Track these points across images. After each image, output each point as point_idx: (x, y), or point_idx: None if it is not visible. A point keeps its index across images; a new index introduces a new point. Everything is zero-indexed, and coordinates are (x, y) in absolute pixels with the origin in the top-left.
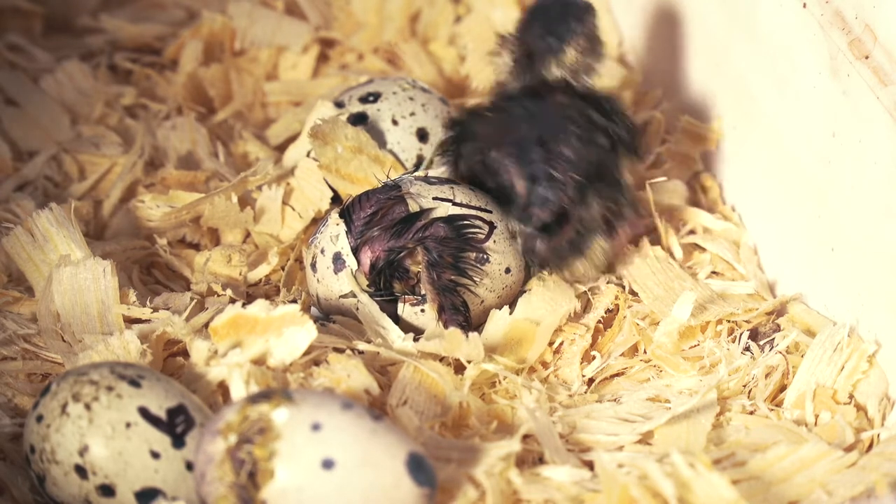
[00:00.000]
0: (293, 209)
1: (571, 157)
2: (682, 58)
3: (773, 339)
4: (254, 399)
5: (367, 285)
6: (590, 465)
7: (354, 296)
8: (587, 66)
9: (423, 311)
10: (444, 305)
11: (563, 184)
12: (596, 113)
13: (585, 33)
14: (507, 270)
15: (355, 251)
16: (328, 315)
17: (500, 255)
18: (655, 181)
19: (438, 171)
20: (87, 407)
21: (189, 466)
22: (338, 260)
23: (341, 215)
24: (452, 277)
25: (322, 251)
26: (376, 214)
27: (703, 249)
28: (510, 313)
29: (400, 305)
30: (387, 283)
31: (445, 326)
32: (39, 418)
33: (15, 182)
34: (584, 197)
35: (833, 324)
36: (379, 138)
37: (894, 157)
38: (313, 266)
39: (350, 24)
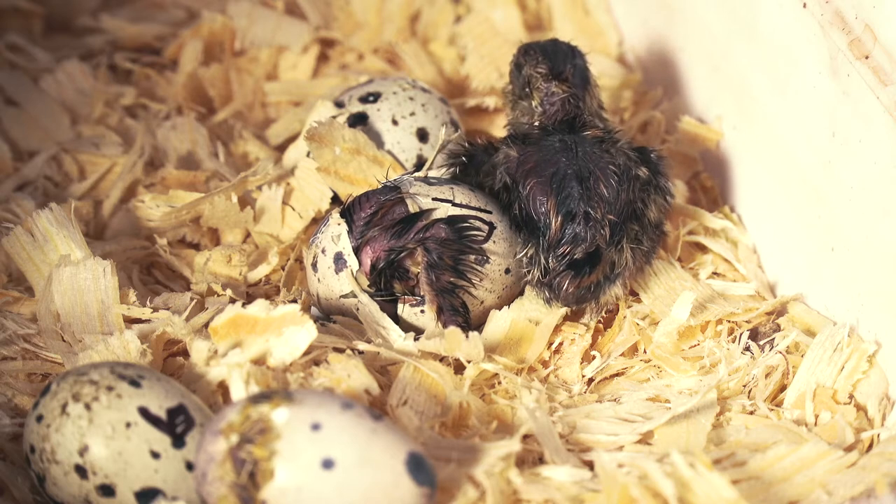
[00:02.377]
0: (293, 209)
1: (608, 196)
2: (682, 58)
3: (773, 339)
4: (255, 399)
5: (368, 285)
6: (590, 465)
7: (355, 296)
8: (599, 97)
9: (422, 311)
10: (442, 307)
11: (600, 223)
12: (632, 151)
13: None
14: (507, 271)
15: (356, 251)
16: (328, 315)
17: (500, 255)
18: None
19: (439, 171)
20: (87, 407)
21: (189, 466)
22: (339, 260)
23: (342, 215)
24: (451, 279)
25: (323, 251)
26: (376, 215)
27: (704, 250)
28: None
29: (400, 306)
30: (387, 283)
31: (444, 327)
32: (39, 418)
33: (15, 182)
34: (618, 239)
35: (833, 324)
36: (379, 138)
37: (894, 157)
38: (314, 266)
39: (350, 24)
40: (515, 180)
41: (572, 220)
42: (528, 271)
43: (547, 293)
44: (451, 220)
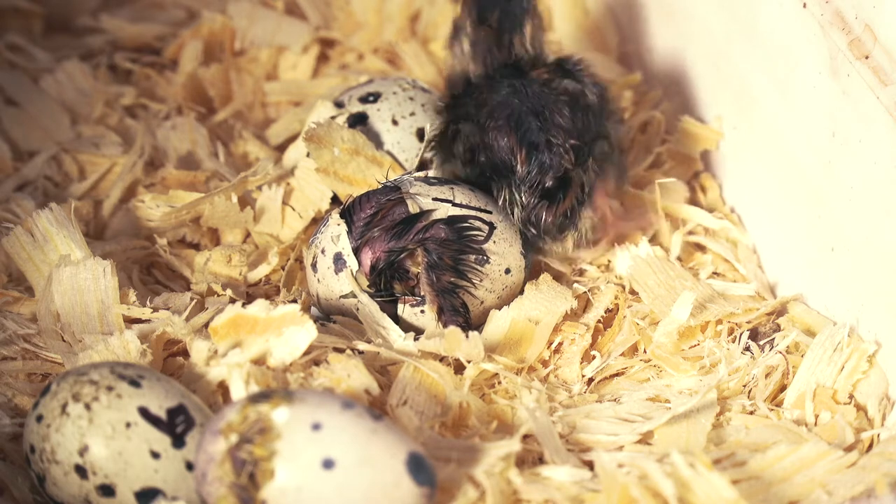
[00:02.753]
0: (293, 209)
1: (565, 124)
2: (682, 58)
3: (773, 339)
4: (255, 399)
5: (368, 285)
6: (590, 465)
7: (355, 296)
8: (541, 38)
9: (422, 311)
10: (443, 307)
11: (563, 148)
12: (571, 80)
13: (532, 7)
14: (507, 271)
15: (356, 251)
16: (328, 315)
17: (500, 255)
18: (662, 182)
19: (438, 172)
20: (87, 407)
21: (189, 466)
22: (338, 260)
23: (342, 216)
24: (452, 279)
25: (323, 251)
26: (376, 215)
27: (704, 250)
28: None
29: (400, 306)
30: (387, 283)
31: (445, 327)
32: (39, 418)
33: (15, 182)
34: (582, 160)
35: (833, 324)
36: (379, 138)
37: (894, 157)
38: (314, 266)
39: (350, 24)
40: (480, 135)
41: (536, 150)
42: (510, 212)
43: (532, 230)
44: (450, 221)
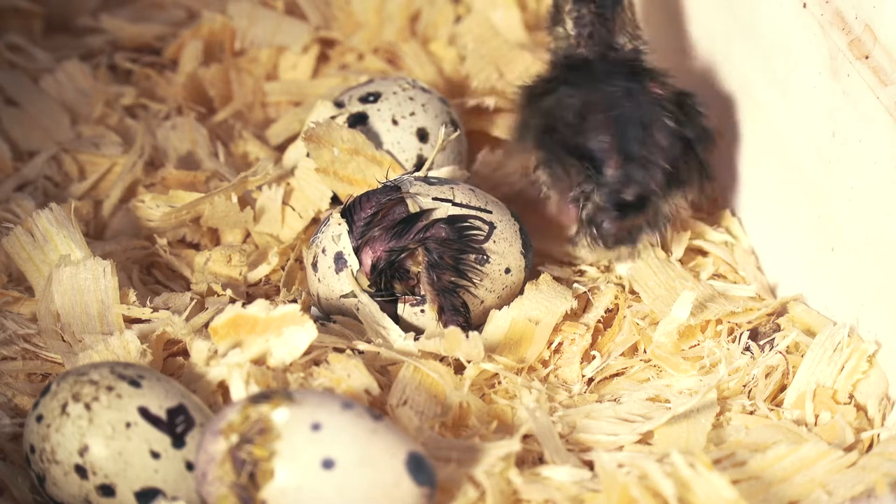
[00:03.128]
0: (293, 209)
1: (664, 145)
2: (682, 58)
3: (773, 339)
4: (255, 399)
5: (368, 285)
6: (590, 465)
7: (355, 296)
8: (636, 30)
9: (422, 311)
10: (444, 307)
11: (655, 168)
12: (680, 109)
13: None
14: (507, 271)
15: (356, 251)
16: (329, 315)
17: (500, 255)
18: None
19: (439, 171)
20: (87, 407)
21: (189, 466)
22: (339, 259)
23: (343, 215)
24: (452, 279)
25: (323, 251)
26: (377, 215)
27: (705, 254)
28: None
29: (400, 306)
30: (387, 283)
31: (445, 327)
32: (39, 418)
33: (15, 182)
34: (667, 188)
35: (833, 324)
36: (379, 138)
37: (894, 157)
38: (314, 266)
39: (350, 24)
40: (579, 116)
41: (630, 161)
42: (580, 206)
43: (591, 232)
44: (451, 220)
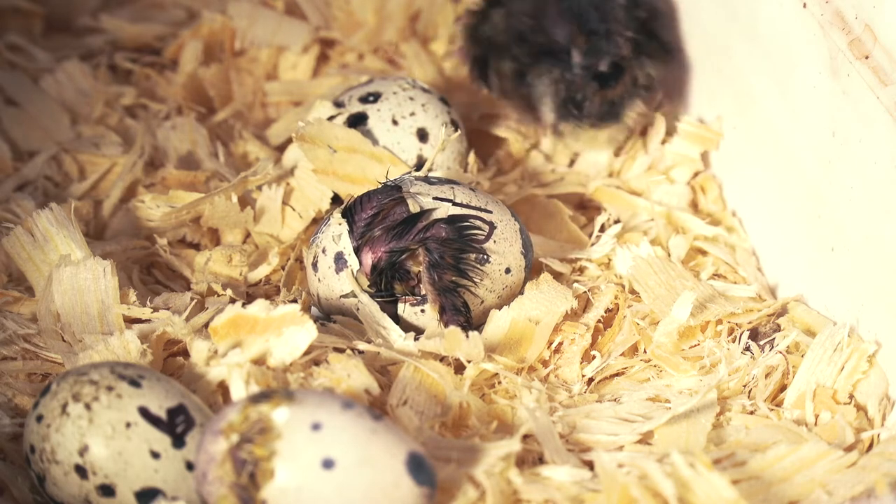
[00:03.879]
0: (293, 209)
1: (623, 19)
2: (682, 58)
3: (773, 339)
4: (255, 399)
5: (368, 286)
6: (590, 465)
7: (355, 296)
8: None
9: (423, 311)
10: (444, 306)
11: (621, 37)
12: None
13: None
14: (507, 271)
15: (357, 251)
16: (329, 315)
17: (500, 255)
18: (655, 180)
19: (437, 172)
20: (88, 407)
21: (189, 466)
22: (339, 259)
23: (343, 215)
24: (453, 279)
25: (323, 251)
26: (377, 216)
27: (705, 254)
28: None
29: (400, 306)
30: (388, 283)
31: (446, 327)
32: (39, 418)
33: (15, 182)
34: (638, 55)
35: (833, 324)
36: (379, 139)
37: (894, 157)
38: (314, 265)
39: (350, 24)
40: (535, 15)
41: (595, 35)
42: (552, 91)
43: (573, 111)
44: (451, 220)
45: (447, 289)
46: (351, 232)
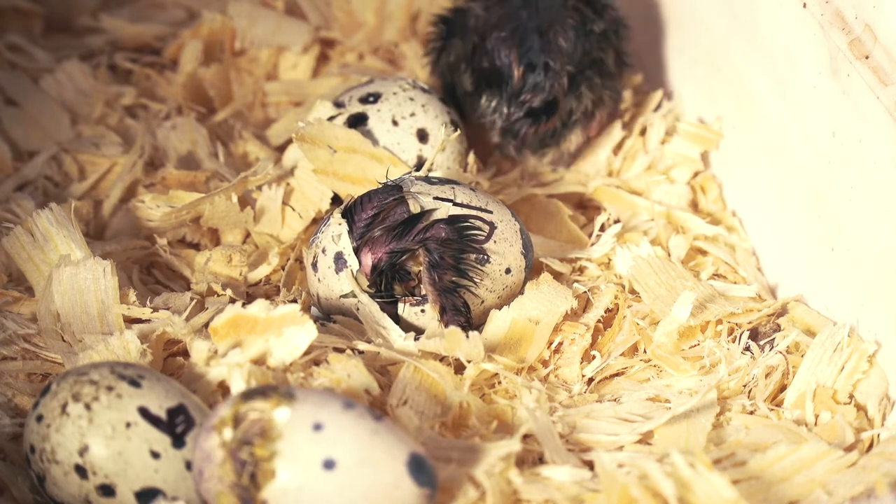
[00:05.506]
0: (293, 209)
1: (567, 48)
2: (682, 58)
3: (773, 339)
4: (247, 395)
5: (368, 286)
6: (590, 465)
7: (355, 296)
8: None
9: (423, 311)
10: (445, 307)
11: (558, 73)
12: (588, 7)
13: None
14: (508, 271)
15: (357, 251)
16: (328, 315)
17: (500, 255)
18: (655, 180)
19: (437, 172)
20: (88, 407)
21: (189, 466)
22: (339, 260)
23: (343, 215)
24: (453, 279)
25: (323, 251)
26: (378, 216)
27: (705, 254)
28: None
29: (400, 306)
30: (388, 284)
31: (447, 327)
32: (39, 418)
33: (15, 182)
34: (576, 88)
35: (833, 324)
36: (379, 139)
37: (894, 157)
38: (314, 266)
39: (350, 24)
40: (482, 37)
41: (533, 71)
42: (492, 120)
43: (511, 141)
44: (451, 221)
45: (448, 289)
46: (350, 232)
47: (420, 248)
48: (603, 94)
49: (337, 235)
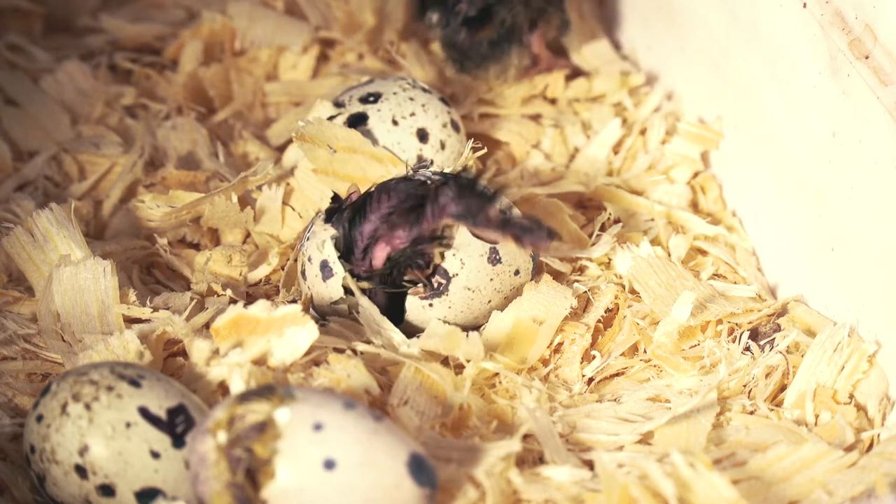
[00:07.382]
0: (293, 209)
1: None
2: (683, 58)
3: (774, 338)
4: (243, 397)
5: (375, 280)
6: (590, 465)
7: (345, 302)
8: None
9: (430, 305)
10: (517, 235)
11: None
12: None
13: None
14: (517, 272)
15: (370, 246)
16: (324, 316)
17: (511, 256)
18: (655, 180)
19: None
20: (87, 407)
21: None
22: (325, 268)
23: (353, 210)
24: (494, 212)
25: (309, 259)
26: (396, 208)
27: (705, 254)
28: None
29: (409, 298)
30: (399, 275)
31: (537, 249)
32: (39, 418)
33: (15, 182)
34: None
35: (833, 324)
36: (379, 139)
37: (894, 157)
38: (303, 274)
39: (350, 24)
40: None
41: None
42: (436, 33)
43: (454, 54)
44: (450, 179)
45: (503, 222)
46: (360, 226)
47: (443, 220)
48: (541, 8)
49: (322, 242)
